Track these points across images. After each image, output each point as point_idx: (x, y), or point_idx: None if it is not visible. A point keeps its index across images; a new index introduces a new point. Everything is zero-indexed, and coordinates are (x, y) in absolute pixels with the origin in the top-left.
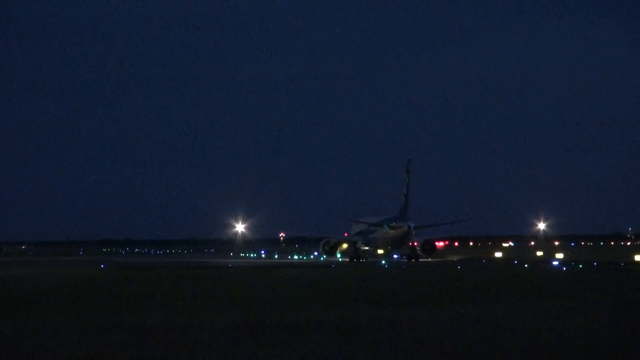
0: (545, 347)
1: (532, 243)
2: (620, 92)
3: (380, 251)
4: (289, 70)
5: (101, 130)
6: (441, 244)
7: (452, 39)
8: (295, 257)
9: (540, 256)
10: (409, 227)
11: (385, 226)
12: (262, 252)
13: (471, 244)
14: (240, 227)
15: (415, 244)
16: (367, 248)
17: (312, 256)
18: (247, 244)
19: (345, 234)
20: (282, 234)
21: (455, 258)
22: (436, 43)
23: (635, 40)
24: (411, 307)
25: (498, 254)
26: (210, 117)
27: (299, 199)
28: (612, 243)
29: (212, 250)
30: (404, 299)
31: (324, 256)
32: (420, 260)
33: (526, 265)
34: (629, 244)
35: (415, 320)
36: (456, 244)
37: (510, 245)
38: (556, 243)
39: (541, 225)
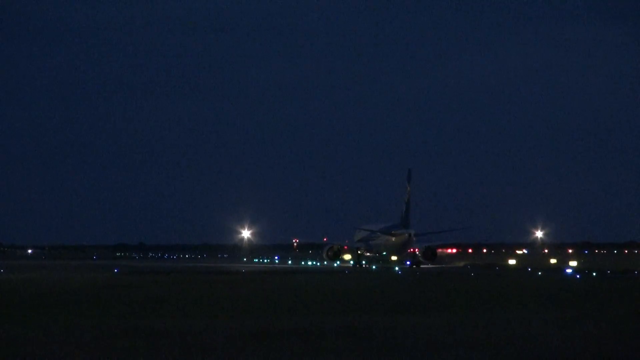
0: (554, 356)
1: (546, 250)
2: (636, 99)
3: (393, 257)
4: (297, 78)
5: (116, 134)
6: (454, 250)
7: (455, 47)
8: (309, 262)
9: (554, 264)
10: (410, 234)
11: (386, 233)
12: (276, 257)
13: (485, 251)
14: (246, 234)
15: (417, 250)
16: (369, 254)
17: (325, 262)
18: (261, 249)
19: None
20: (295, 240)
21: (462, 264)
22: (439, 51)
23: None
24: (424, 314)
25: (512, 261)
26: (225, 123)
27: (311, 207)
28: (626, 251)
29: (226, 255)
30: (420, 305)
31: (337, 262)
32: (422, 266)
33: (539, 273)
34: None
35: (426, 325)
36: (470, 250)
37: (524, 253)
38: (570, 251)
39: (539, 234)
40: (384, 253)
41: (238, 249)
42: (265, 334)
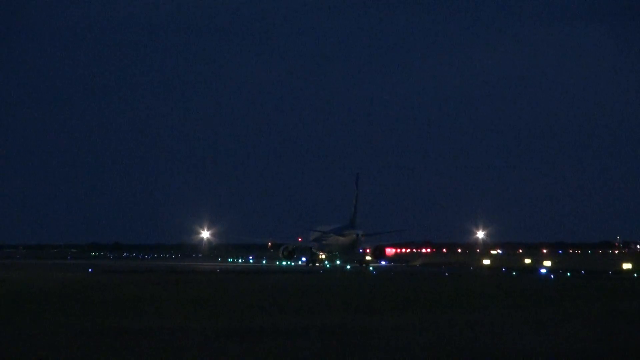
0: (530, 355)
1: (520, 250)
2: (611, 100)
3: (368, 257)
4: (270, 80)
5: (91, 133)
6: (428, 250)
7: (413, 53)
8: (283, 263)
9: (528, 264)
10: (357, 234)
11: (336, 234)
12: (250, 257)
13: (459, 250)
14: (206, 234)
15: (368, 250)
16: (321, 253)
17: (300, 262)
18: (235, 249)
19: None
20: (269, 242)
21: (417, 263)
22: (393, 55)
23: (626, 47)
24: (400, 313)
25: (486, 261)
26: (201, 121)
27: (287, 208)
28: (600, 251)
29: (200, 255)
30: (393, 305)
31: (309, 261)
32: (370, 265)
33: (514, 273)
34: (617, 252)
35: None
36: (444, 250)
37: (498, 253)
38: (544, 250)
39: (480, 234)
40: (336, 252)
41: (212, 249)
42: (240, 333)
